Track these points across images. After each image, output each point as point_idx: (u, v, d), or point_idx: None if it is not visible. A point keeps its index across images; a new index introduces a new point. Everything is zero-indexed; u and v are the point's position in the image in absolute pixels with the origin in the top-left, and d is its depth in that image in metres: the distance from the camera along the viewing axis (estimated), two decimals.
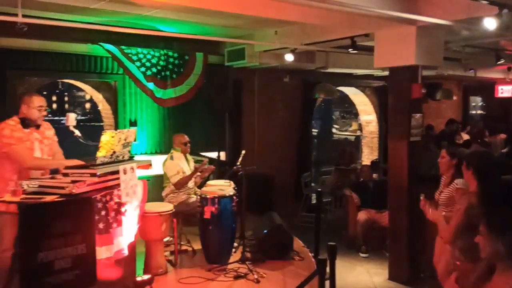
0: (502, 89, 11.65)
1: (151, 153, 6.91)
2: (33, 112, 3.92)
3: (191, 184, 5.44)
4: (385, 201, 5.73)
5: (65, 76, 6.79)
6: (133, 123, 6.79)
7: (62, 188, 3.13)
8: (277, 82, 8.47)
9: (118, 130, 3.54)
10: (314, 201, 8.00)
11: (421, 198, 3.71)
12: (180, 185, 5.25)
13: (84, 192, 3.20)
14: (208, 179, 5.50)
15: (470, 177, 3.22)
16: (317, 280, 3.26)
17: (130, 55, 6.24)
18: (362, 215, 6.47)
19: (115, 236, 3.42)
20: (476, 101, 14.56)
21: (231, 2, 4.22)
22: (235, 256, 4.88)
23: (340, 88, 9.97)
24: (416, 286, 5.26)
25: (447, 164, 3.93)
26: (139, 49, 6.36)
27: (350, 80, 9.68)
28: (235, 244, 5.02)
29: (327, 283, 3.39)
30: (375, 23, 4.84)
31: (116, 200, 3.46)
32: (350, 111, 16.39)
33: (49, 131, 4.15)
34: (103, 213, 3.28)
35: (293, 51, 6.38)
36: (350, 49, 5.92)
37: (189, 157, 5.71)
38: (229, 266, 4.64)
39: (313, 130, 10.52)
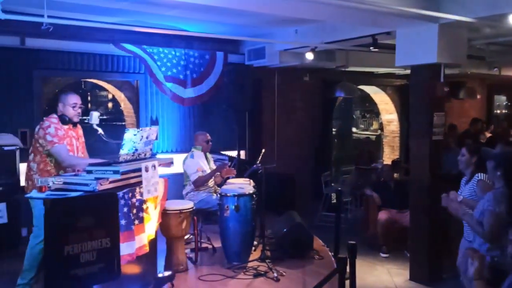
0: None
1: (172, 152, 6.98)
2: (68, 109, 4.07)
3: (211, 182, 5.50)
4: (406, 201, 5.67)
5: (88, 75, 6.90)
6: (154, 122, 6.88)
7: (86, 185, 3.20)
8: (297, 81, 8.48)
9: (141, 128, 3.59)
10: (334, 201, 7.97)
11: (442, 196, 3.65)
12: (200, 183, 5.30)
13: (108, 189, 3.26)
14: (228, 177, 5.54)
15: (497, 178, 3.11)
16: (337, 279, 3.24)
17: (152, 54, 6.33)
18: (382, 215, 6.42)
19: (137, 233, 3.47)
20: (501, 100, 14.22)
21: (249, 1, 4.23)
22: (255, 254, 4.91)
23: (360, 87, 9.90)
24: (438, 287, 5.19)
25: (467, 161, 3.87)
26: (161, 49, 6.43)
27: (370, 78, 9.59)
28: (255, 243, 5.05)
29: (347, 283, 3.37)
30: (396, 20, 4.79)
31: (138, 197, 3.51)
32: (371, 110, 16.19)
33: (81, 130, 4.32)
34: (125, 210, 3.33)
35: (313, 50, 6.36)
36: (371, 47, 5.88)
37: (209, 155, 5.76)
38: (249, 264, 4.68)
39: (333, 129, 10.46)
